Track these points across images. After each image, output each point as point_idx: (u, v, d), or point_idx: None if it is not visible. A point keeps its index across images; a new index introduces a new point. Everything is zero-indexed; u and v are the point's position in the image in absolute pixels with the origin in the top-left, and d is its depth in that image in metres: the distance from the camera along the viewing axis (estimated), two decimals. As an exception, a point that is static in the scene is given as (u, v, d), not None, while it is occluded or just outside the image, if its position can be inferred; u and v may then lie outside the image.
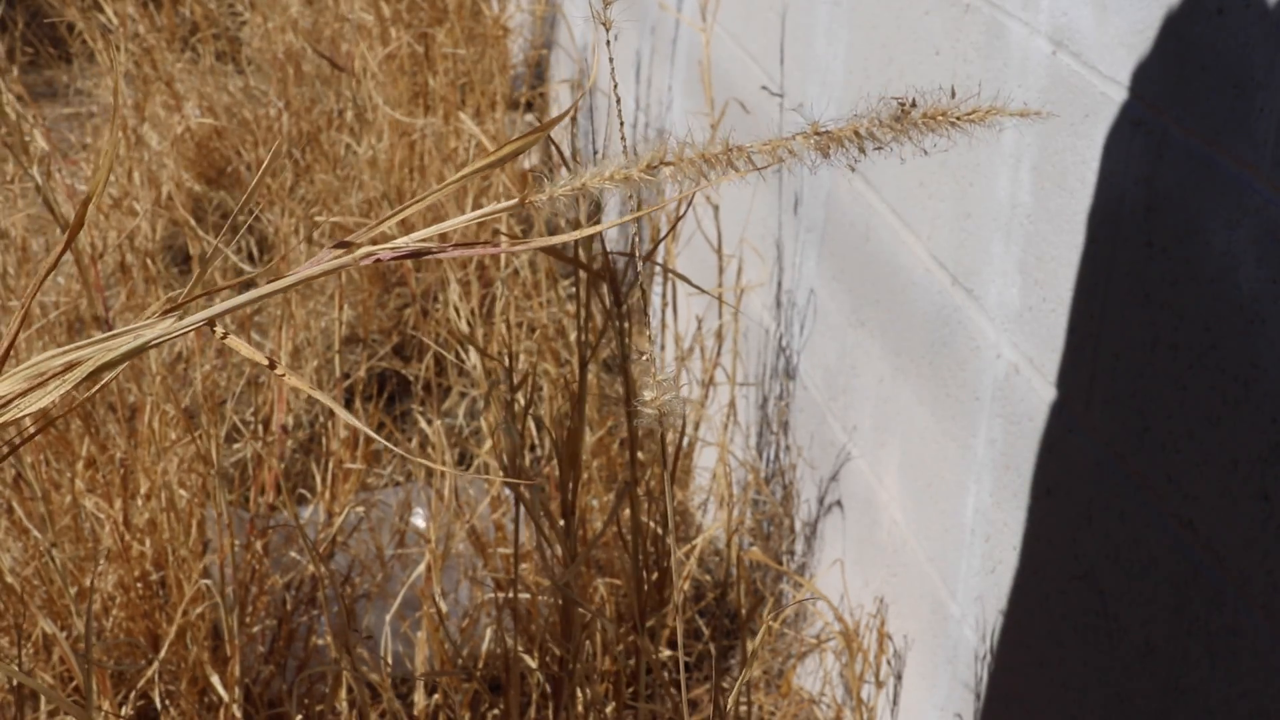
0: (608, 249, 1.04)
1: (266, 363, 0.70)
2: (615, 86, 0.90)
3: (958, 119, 0.65)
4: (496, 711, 1.84)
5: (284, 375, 0.69)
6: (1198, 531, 1.20)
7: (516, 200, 0.68)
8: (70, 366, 0.67)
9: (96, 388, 0.70)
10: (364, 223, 3.22)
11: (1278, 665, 1.11)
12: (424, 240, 0.68)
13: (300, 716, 1.87)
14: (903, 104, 0.65)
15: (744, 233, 2.37)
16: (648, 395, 0.76)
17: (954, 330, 1.65)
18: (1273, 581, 1.11)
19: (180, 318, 0.68)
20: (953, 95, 0.65)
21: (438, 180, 3.35)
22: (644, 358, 0.78)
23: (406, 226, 3.12)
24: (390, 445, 0.72)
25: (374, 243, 0.69)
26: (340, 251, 0.68)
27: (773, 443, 2.29)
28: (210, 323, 0.68)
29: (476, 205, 3.20)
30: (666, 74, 2.91)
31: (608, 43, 0.80)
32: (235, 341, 0.69)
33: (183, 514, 1.99)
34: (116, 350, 0.67)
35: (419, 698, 1.82)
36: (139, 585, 1.99)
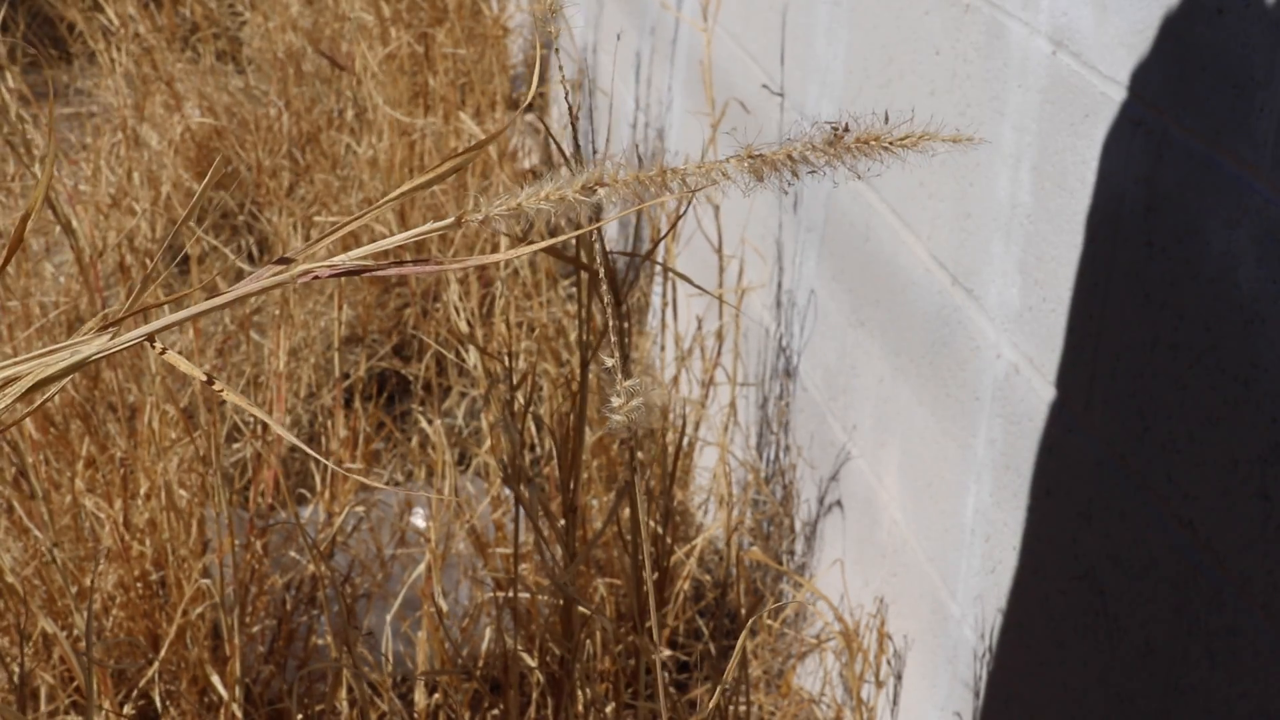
0: (608, 249, 1.04)
1: (204, 378, 0.70)
2: (567, 93, 0.90)
3: (891, 144, 0.66)
4: (496, 711, 1.84)
5: (222, 390, 0.69)
6: (1198, 531, 1.20)
7: (453, 220, 0.68)
8: (8, 382, 0.66)
9: (36, 405, 0.70)
10: (364, 224, 3.22)
11: (1278, 665, 1.11)
12: (360, 258, 0.68)
13: (300, 716, 1.87)
14: (836, 128, 0.65)
15: (744, 233, 2.37)
16: (615, 402, 0.77)
17: (954, 330, 1.65)
18: (1273, 581, 1.11)
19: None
20: (886, 120, 0.66)
21: (441, 193, 3.35)
22: (609, 365, 0.78)
23: (369, 238, 3.13)
24: (368, 480, 0.72)
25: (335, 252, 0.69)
26: (278, 268, 0.68)
27: (773, 443, 2.29)
28: (150, 338, 0.68)
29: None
30: (667, 74, 2.91)
31: (556, 50, 0.81)
32: (174, 357, 0.69)
33: (183, 514, 1.99)
34: (54, 366, 0.66)
35: (419, 697, 1.82)
36: (139, 585, 1.99)
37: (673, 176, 0.66)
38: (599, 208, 0.67)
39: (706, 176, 0.66)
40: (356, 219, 0.69)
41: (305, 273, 0.67)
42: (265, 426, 2.19)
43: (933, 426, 1.71)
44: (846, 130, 0.65)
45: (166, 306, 0.81)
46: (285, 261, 0.68)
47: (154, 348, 0.69)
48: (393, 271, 0.68)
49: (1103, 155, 1.32)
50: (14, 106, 1.96)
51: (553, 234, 0.70)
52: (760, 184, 0.66)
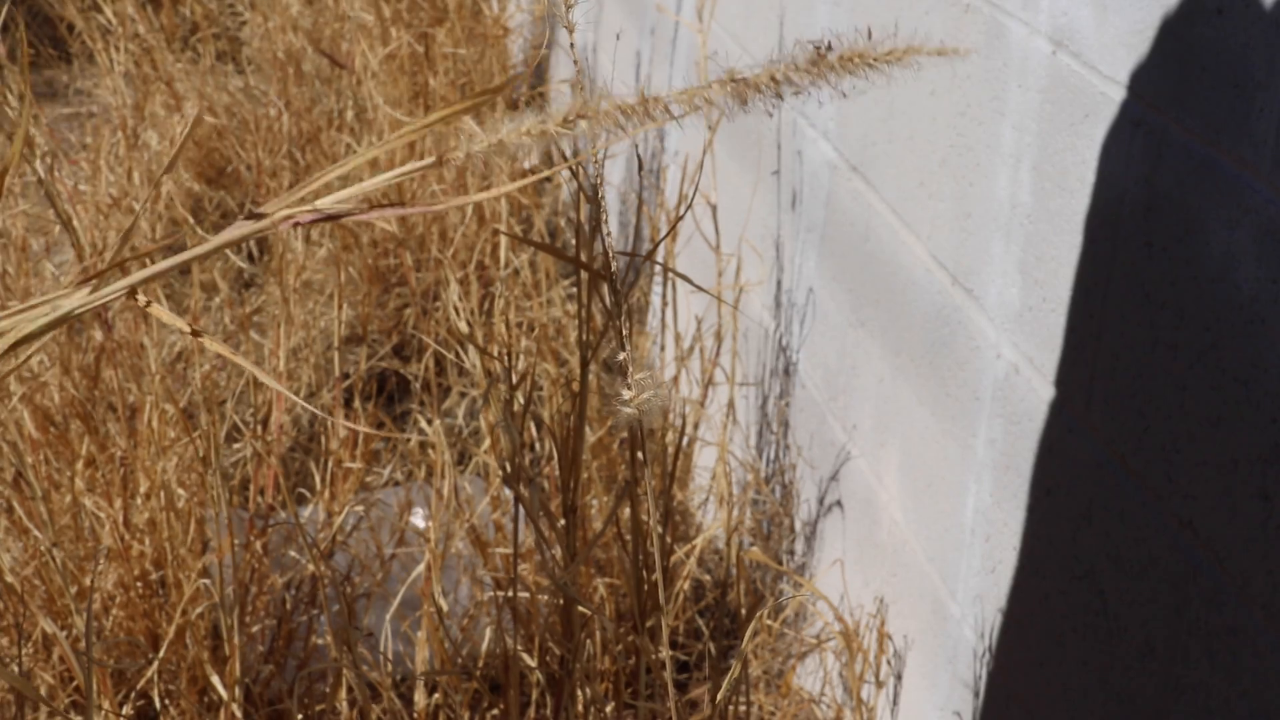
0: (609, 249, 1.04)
1: (187, 330, 0.69)
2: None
3: (874, 59, 0.64)
4: (496, 711, 1.84)
5: (205, 341, 0.69)
6: (1198, 531, 1.20)
7: (435, 159, 0.67)
8: None
9: (21, 361, 0.69)
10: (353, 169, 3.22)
11: (1278, 665, 1.11)
12: (341, 202, 0.67)
13: (300, 716, 1.87)
14: (818, 47, 0.64)
15: (743, 232, 2.37)
16: (626, 395, 0.76)
17: (954, 330, 1.65)
18: (1273, 581, 1.11)
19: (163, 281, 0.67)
20: (869, 35, 0.64)
21: (438, 181, 3.36)
22: (621, 359, 0.78)
23: (364, 196, 3.12)
24: (384, 449, 0.72)
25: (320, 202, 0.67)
26: (257, 218, 0.67)
27: (773, 443, 2.29)
28: (132, 292, 0.67)
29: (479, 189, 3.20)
30: (666, 74, 2.91)
31: (571, 46, 0.80)
32: (158, 309, 0.69)
33: (182, 514, 1.99)
34: (36, 321, 0.66)
35: (419, 697, 1.82)
36: (139, 585, 1.99)
37: (655, 105, 0.64)
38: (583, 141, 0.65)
39: (689, 103, 0.64)
40: (343, 165, 0.67)
41: (286, 219, 0.67)
42: (265, 426, 2.19)
43: (933, 426, 1.71)
44: (829, 48, 0.64)
45: (150, 259, 0.81)
46: (261, 215, 0.67)
47: (136, 301, 0.68)
48: (375, 215, 0.67)
49: (1103, 155, 1.32)
50: (13, 105, 1.96)
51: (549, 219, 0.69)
52: (744, 108, 0.64)
